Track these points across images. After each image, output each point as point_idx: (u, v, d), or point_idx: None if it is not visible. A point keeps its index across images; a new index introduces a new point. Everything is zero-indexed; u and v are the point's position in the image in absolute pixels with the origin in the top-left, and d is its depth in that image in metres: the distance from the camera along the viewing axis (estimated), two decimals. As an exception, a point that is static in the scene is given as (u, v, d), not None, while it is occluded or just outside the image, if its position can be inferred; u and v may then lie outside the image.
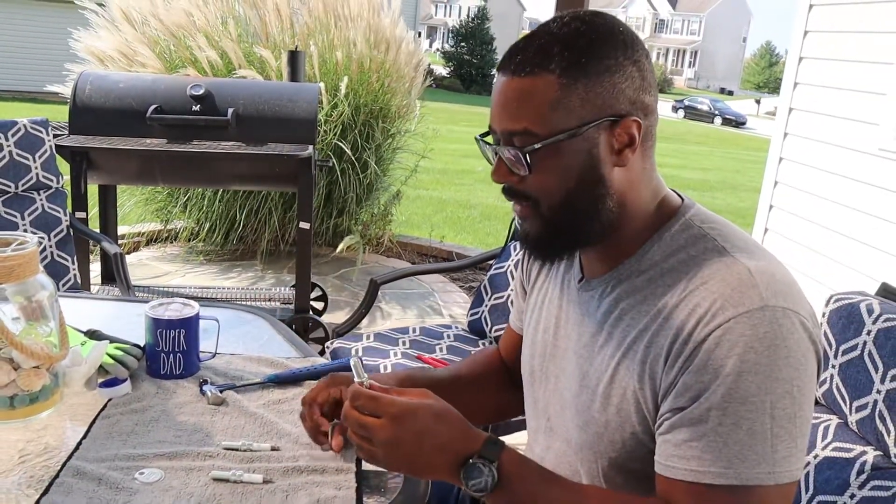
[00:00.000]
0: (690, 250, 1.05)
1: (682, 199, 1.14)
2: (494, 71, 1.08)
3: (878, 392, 1.27)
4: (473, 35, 37.00)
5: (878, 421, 1.26)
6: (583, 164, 1.05)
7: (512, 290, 2.64)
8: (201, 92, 3.51)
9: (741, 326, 0.94)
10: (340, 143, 5.02)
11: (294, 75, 4.15)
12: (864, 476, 1.25)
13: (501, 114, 1.07)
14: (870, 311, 1.34)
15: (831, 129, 4.28)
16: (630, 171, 1.07)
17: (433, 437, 1.00)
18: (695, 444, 0.95)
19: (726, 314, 0.95)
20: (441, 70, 35.27)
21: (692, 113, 41.85)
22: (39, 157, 2.94)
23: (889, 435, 1.24)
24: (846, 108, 4.17)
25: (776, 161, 4.74)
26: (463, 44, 37.23)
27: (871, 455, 1.28)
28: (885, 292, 1.43)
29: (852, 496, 1.25)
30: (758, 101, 54.24)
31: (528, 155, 1.04)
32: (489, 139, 1.13)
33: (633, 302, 1.08)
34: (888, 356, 1.27)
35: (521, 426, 2.18)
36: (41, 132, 2.95)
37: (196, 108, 3.52)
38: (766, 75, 75.29)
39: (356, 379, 1.07)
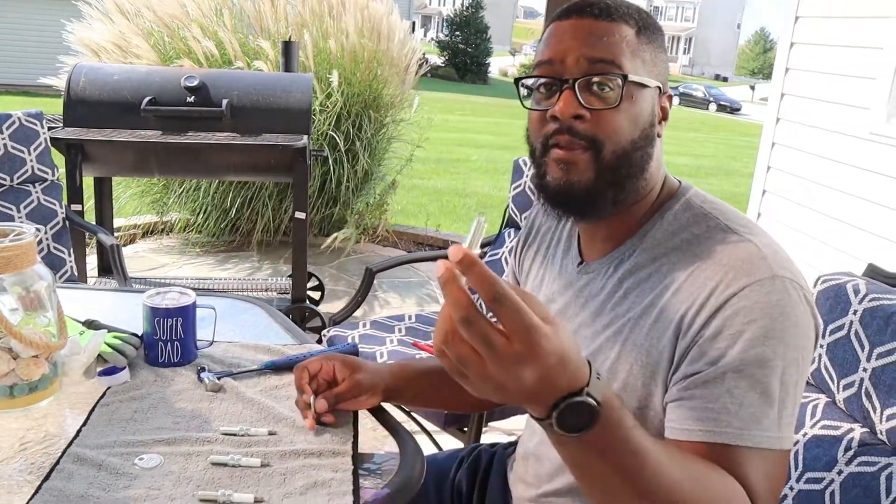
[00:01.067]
0: (694, 229, 1.08)
1: (679, 182, 1.17)
2: (557, 16, 1.09)
3: (865, 370, 1.29)
4: (468, 24, 36.93)
5: (864, 398, 1.29)
6: (647, 118, 1.08)
7: (505, 277, 2.66)
8: (195, 83, 3.52)
9: (755, 294, 0.97)
10: (334, 134, 5.03)
11: (288, 65, 4.16)
12: (851, 452, 1.27)
13: (585, 44, 1.05)
14: (856, 292, 1.36)
15: (823, 114, 4.29)
16: (658, 145, 1.12)
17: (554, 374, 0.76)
18: (711, 406, 0.96)
19: (740, 283, 0.98)
20: (436, 59, 35.18)
21: (687, 100, 41.84)
22: (34, 149, 2.95)
23: (875, 412, 1.26)
24: (837, 92, 4.18)
25: (769, 146, 4.75)
26: (457, 33, 37.17)
27: (857, 432, 1.30)
28: (872, 273, 1.45)
29: (840, 472, 1.27)
30: (752, 88, 54.27)
31: (623, 85, 1.04)
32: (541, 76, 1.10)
33: (637, 280, 1.09)
34: (874, 335, 1.28)
35: (516, 411, 2.20)
36: (36, 125, 2.96)
37: (190, 99, 3.53)
38: (761, 61, 75.19)
39: (465, 244, 0.75)
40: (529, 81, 1.12)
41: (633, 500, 0.85)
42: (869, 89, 3.91)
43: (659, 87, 1.10)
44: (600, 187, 1.06)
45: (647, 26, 1.09)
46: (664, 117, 1.12)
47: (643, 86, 1.06)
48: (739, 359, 0.95)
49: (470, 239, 0.76)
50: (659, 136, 1.11)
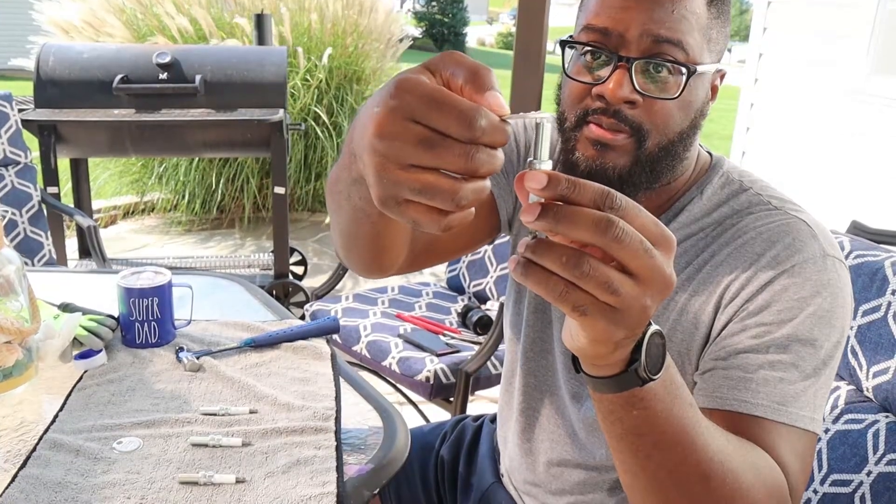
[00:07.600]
0: (734, 204, 1.03)
1: (711, 154, 1.10)
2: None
3: (851, 328, 1.28)
4: (444, -7, 36.61)
5: (850, 356, 1.28)
6: (699, 105, 0.98)
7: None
8: (167, 59, 3.46)
9: (808, 272, 0.93)
10: (316, 109, 4.97)
11: (261, 39, 4.10)
12: (837, 410, 1.27)
13: (650, 17, 0.90)
14: (840, 248, 1.35)
15: (801, 73, 4.28)
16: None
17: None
18: (749, 377, 0.90)
19: (792, 259, 0.93)
20: (414, 30, 34.98)
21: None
22: (5, 132, 2.89)
23: (861, 369, 1.25)
24: (815, 51, 4.17)
25: (748, 107, 4.74)
26: (434, 3, 36.84)
27: (844, 390, 1.29)
28: (855, 229, 1.43)
29: (826, 430, 1.26)
30: (729, 50, 54.25)
31: (691, 75, 0.92)
32: (587, 45, 0.94)
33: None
34: (859, 292, 1.27)
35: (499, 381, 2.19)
36: (5, 107, 2.90)
37: (163, 76, 3.47)
38: (737, 23, 74.82)
39: (533, 159, 0.58)
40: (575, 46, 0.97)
41: (692, 468, 0.76)
42: (847, 47, 3.89)
43: (718, 66, 0.98)
44: (635, 176, 0.95)
45: None
46: (713, 96, 1.01)
47: (706, 70, 0.95)
48: (786, 335, 0.90)
49: (535, 151, 0.57)
50: (705, 116, 1.00)
